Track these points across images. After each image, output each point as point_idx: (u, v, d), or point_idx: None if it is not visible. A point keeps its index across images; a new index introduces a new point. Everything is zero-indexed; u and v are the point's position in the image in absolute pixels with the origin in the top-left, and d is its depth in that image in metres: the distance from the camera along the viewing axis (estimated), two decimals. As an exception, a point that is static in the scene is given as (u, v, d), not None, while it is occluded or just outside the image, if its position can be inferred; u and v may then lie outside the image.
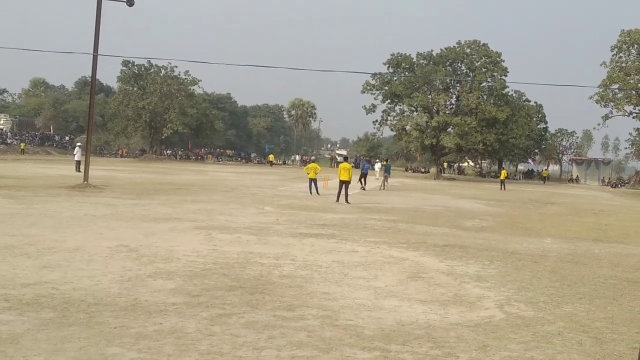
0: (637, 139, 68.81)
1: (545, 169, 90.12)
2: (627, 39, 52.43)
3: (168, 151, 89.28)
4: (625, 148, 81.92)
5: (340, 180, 23.43)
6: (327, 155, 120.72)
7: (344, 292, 8.01)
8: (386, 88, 65.27)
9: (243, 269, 9.19)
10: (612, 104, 53.47)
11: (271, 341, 5.78)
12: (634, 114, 53.78)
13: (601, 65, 54.29)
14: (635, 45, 52.67)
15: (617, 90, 52.89)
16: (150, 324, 6.12)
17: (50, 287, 7.38)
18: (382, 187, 35.97)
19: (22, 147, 66.92)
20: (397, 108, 67.22)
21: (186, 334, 5.85)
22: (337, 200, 23.11)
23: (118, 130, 77.73)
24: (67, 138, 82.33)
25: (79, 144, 41.20)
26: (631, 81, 51.70)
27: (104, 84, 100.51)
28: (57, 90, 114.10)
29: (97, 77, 27.25)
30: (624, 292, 9.08)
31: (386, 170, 39.10)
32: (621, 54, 53.46)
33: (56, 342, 5.45)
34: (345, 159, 29.58)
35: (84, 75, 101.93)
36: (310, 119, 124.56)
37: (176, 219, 15.01)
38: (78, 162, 35.72)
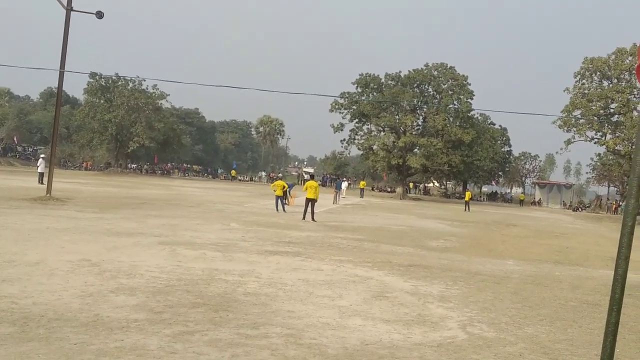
0: (598, 164, 70.24)
1: (522, 193, 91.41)
2: (590, 66, 53.73)
3: (133, 165, 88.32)
4: (587, 172, 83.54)
5: (307, 198, 23.46)
6: (294, 173, 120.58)
7: (308, 311, 8.00)
8: (354, 107, 65.76)
9: (207, 285, 9.12)
10: (574, 129, 54.60)
11: (234, 359, 5.75)
12: (595, 140, 54.95)
13: (564, 91, 55.53)
14: (598, 73, 53.99)
15: (579, 116, 54.05)
16: (111, 340, 6.03)
17: (9, 302, 7.23)
18: (335, 202, 40.76)
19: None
20: (364, 127, 67.80)
21: (148, 352, 5.78)
22: (304, 218, 23.11)
23: (83, 142, 76.75)
24: (30, 149, 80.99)
25: (42, 155, 40.54)
26: (593, 107, 52.92)
27: (70, 96, 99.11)
28: (22, 100, 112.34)
29: (64, 88, 26.90)
30: (584, 315, 9.23)
31: (337, 187, 44.61)
32: (584, 81, 54.75)
33: (15, 357, 5.34)
34: (312, 177, 29.69)
35: (50, 86, 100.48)
36: (278, 136, 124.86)
37: (140, 234, 14.85)
38: (41, 174, 35.15)
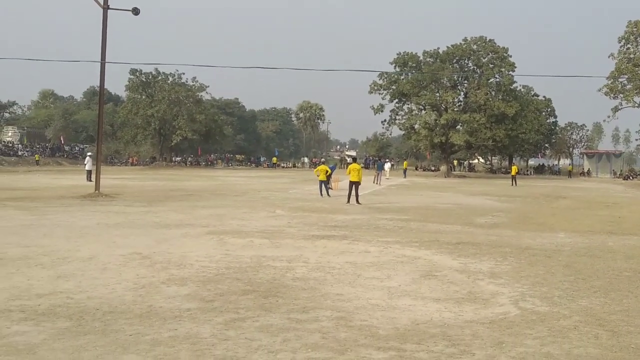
0: (648, 129, 68.35)
1: (571, 164, 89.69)
2: (635, 29, 52.12)
3: (178, 158, 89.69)
4: (636, 139, 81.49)
5: (351, 181, 23.41)
6: (336, 157, 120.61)
7: (357, 293, 8.00)
8: (393, 87, 65.15)
9: (256, 272, 9.19)
10: (621, 95, 53.15)
11: (286, 344, 5.78)
12: (644, 105, 53.44)
13: (609, 57, 54.05)
14: (643, 36, 52.37)
15: (626, 82, 52.54)
16: (165, 330, 6.14)
17: (65, 297, 7.42)
18: (376, 182, 40.94)
19: (36, 159, 67.35)
20: (405, 107, 67.16)
21: (201, 339, 5.86)
22: (348, 201, 23.08)
23: (128, 138, 78.24)
24: (77, 148, 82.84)
25: (89, 153, 41.41)
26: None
27: (113, 93, 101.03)
28: (66, 101, 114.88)
29: (105, 86, 27.42)
30: (639, 285, 9.01)
31: (378, 168, 44.50)
32: (629, 45, 53.16)
33: (72, 351, 5.47)
34: (354, 159, 29.61)
35: (92, 85, 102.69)
36: (319, 121, 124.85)
37: (188, 225, 15.06)
38: (89, 172, 35.93)
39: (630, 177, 70.90)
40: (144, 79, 77.30)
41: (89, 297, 7.43)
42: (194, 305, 7.13)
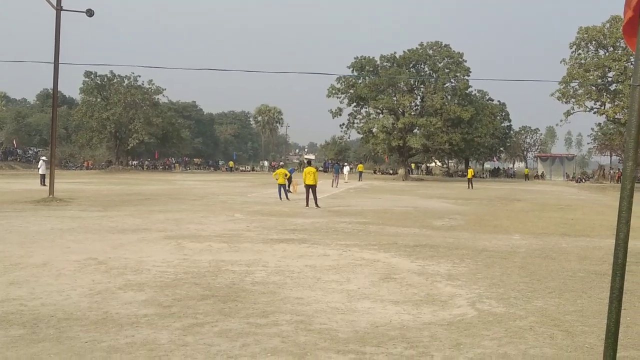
0: (599, 133, 70.07)
1: (527, 168, 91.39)
2: (585, 35, 53.35)
3: (134, 162, 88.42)
4: (588, 143, 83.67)
5: (306, 185, 23.46)
6: (295, 160, 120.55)
7: (317, 296, 8.00)
8: (351, 91, 65.58)
9: (215, 277, 9.12)
10: (573, 100, 54.29)
11: (245, 349, 5.75)
12: (595, 109, 54.72)
13: (561, 62, 55.21)
14: (593, 42, 53.63)
15: (577, 87, 53.78)
16: (122, 336, 6.03)
17: (18, 304, 7.23)
18: (334, 185, 42.78)
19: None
20: (363, 111, 67.69)
21: (159, 346, 5.78)
22: (307, 204, 23.12)
23: (83, 142, 76.78)
24: (31, 152, 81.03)
25: (43, 157, 40.51)
26: (590, 77, 52.60)
27: (67, 96, 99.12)
28: (19, 103, 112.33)
29: (59, 89, 26.83)
30: (592, 285, 9.22)
31: (335, 171, 46.52)
32: (580, 51, 54.37)
33: (26, 359, 5.35)
34: (309, 163, 29.69)
35: (46, 88, 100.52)
36: (277, 124, 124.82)
37: (145, 230, 14.85)
38: (42, 176, 35.17)
39: (583, 180, 72.66)
40: (99, 82, 75.96)
41: (43, 304, 7.26)
42: (152, 311, 7.03)
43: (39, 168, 38.04)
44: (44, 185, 31.76)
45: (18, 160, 75.54)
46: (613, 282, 3.19)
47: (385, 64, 66.57)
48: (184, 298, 7.73)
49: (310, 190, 23.31)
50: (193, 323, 6.56)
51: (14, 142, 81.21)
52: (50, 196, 23.72)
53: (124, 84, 76.00)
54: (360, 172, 62.00)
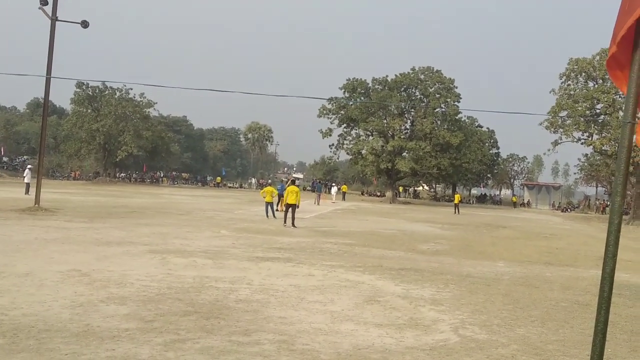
0: (586, 164, 70.60)
1: (514, 195, 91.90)
2: (575, 67, 53.96)
3: (122, 174, 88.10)
4: (575, 173, 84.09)
5: (287, 204, 23.43)
6: (284, 179, 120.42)
7: (300, 317, 7.98)
8: (342, 112, 65.82)
9: (198, 293, 9.08)
10: (561, 130, 54.75)
11: (227, 367, 5.72)
12: (582, 140, 55.18)
13: (550, 92, 55.73)
14: (583, 74, 54.23)
15: (565, 117, 54.27)
16: (102, 350, 5.99)
17: (-2, 313, 7.17)
18: (316, 203, 45.49)
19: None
20: (353, 132, 67.81)
21: (140, 360, 5.74)
22: (285, 222, 23.10)
23: (71, 152, 76.45)
24: (18, 160, 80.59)
25: (29, 166, 40.27)
26: (579, 108, 53.11)
27: (57, 106, 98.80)
28: (9, 111, 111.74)
29: (50, 98, 26.77)
30: (575, 315, 9.26)
31: (317, 189, 49.88)
32: (569, 82, 54.97)
33: (4, 370, 5.30)
34: (293, 182, 29.68)
35: (37, 97, 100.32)
36: (267, 142, 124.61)
37: (130, 243, 14.77)
38: (28, 185, 34.94)
39: (568, 210, 73.17)
40: (90, 93, 75.84)
41: (24, 314, 7.19)
42: (133, 325, 6.98)
43: (24, 176, 37.81)
44: (29, 194, 31.54)
45: (5, 168, 75.09)
46: (598, 314, 3.22)
47: (377, 86, 66.93)
48: (167, 313, 7.68)
49: (291, 209, 23.23)
50: (175, 339, 6.52)
51: (2, 150, 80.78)
52: (36, 205, 23.53)
53: (116, 96, 75.89)
54: (344, 193, 62.51)
